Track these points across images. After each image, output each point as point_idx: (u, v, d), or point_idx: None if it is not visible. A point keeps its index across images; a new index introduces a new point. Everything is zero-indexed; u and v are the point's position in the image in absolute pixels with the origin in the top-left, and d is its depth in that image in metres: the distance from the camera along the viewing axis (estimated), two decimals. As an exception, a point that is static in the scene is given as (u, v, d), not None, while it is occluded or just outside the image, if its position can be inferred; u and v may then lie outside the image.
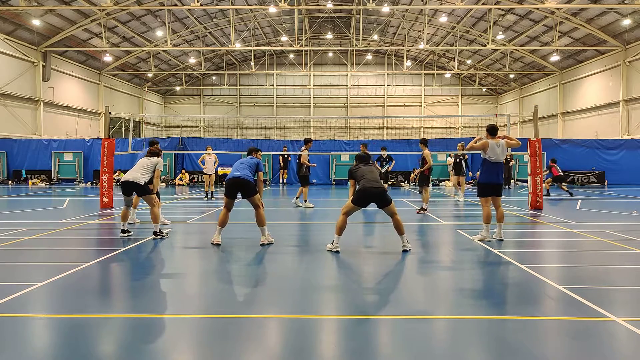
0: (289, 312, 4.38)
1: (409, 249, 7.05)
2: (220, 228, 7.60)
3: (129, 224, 9.85)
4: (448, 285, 5.36)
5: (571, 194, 17.24)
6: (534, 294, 4.89)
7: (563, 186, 17.76)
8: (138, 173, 8.20)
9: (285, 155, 24.10)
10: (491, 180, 7.82)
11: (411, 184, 24.65)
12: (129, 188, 8.16)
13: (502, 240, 7.80)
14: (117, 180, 23.13)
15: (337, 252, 6.94)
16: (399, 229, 7.07)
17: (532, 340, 3.63)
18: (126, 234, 8.18)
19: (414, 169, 13.15)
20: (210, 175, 16.31)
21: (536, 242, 8.42)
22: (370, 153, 20.97)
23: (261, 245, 7.49)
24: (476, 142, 7.98)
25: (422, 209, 12.11)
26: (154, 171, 8.38)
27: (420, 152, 13.04)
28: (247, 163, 7.77)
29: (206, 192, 16.32)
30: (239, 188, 7.55)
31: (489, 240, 7.71)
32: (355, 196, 6.95)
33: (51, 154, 25.24)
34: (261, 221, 7.58)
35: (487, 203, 7.86)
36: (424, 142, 12.86)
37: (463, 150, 14.92)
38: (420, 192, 12.70)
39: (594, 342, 3.64)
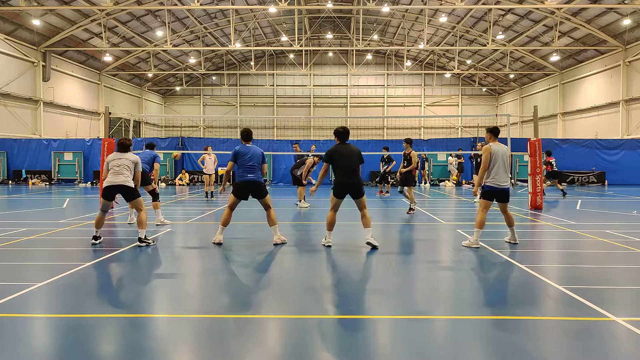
0: (288, 312, 4.38)
1: (375, 245, 7.11)
2: (222, 227, 7.62)
3: (129, 223, 9.83)
4: (448, 285, 5.36)
5: (564, 194, 17.03)
6: (534, 294, 4.89)
7: (558, 184, 17.25)
8: (125, 175, 7.68)
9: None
10: (497, 185, 7.29)
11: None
12: (116, 192, 7.67)
13: (516, 243, 7.48)
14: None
15: (329, 246, 7.26)
16: (367, 222, 7.20)
17: (532, 340, 3.63)
18: (98, 241, 7.50)
19: (399, 169, 12.77)
20: (210, 175, 16.30)
21: (536, 242, 8.42)
22: (371, 153, 20.66)
23: (274, 244, 7.54)
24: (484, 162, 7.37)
25: (411, 209, 11.81)
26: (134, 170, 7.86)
27: (399, 152, 12.88)
28: (257, 161, 7.62)
29: (206, 192, 16.31)
30: (253, 190, 7.59)
31: (477, 247, 7.23)
32: (334, 189, 7.22)
33: (51, 154, 25.24)
34: (272, 221, 7.64)
35: (487, 209, 7.37)
36: (409, 141, 12.57)
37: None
38: (401, 192, 12.47)
39: (594, 342, 3.64)
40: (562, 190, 17.04)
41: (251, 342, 3.64)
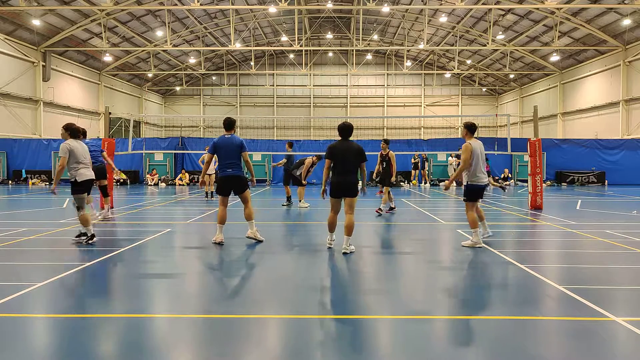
0: (288, 312, 4.37)
1: (350, 252, 6.86)
2: (220, 226, 7.62)
3: (105, 217, 9.71)
4: (448, 285, 5.36)
5: (504, 189, 17.88)
6: (534, 294, 4.89)
7: (493, 182, 18.37)
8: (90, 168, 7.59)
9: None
10: (480, 183, 7.40)
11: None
12: (90, 186, 7.60)
13: (490, 234, 7.86)
14: (117, 180, 23.14)
15: (330, 247, 7.19)
16: (349, 229, 6.90)
17: (532, 340, 3.63)
18: (92, 240, 7.46)
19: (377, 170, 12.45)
20: (210, 175, 16.31)
21: (536, 242, 8.41)
22: (371, 153, 20.54)
23: (247, 237, 7.68)
24: (463, 160, 7.28)
25: (380, 209, 11.63)
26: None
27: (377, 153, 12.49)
28: (234, 153, 7.57)
29: (206, 192, 16.31)
30: (232, 185, 7.64)
31: (481, 246, 7.27)
32: (330, 189, 7.05)
33: (51, 154, 25.22)
34: (249, 215, 7.69)
35: (474, 207, 7.42)
36: (387, 142, 12.05)
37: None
38: (381, 192, 12.14)
39: (594, 342, 3.64)
40: (500, 186, 18.26)
41: (251, 342, 3.63)
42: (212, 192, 16.33)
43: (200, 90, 49.66)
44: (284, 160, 14.38)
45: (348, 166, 7.01)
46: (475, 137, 7.66)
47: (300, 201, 13.39)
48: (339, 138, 7.21)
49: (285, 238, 8.30)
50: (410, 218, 11.13)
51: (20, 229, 8.93)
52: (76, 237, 7.69)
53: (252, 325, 3.97)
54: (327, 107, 48.84)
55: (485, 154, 7.73)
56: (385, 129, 47.55)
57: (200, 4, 28.09)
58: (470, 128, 7.41)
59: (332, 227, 7.20)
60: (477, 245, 7.28)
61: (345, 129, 7.13)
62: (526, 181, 17.07)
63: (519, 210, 12.52)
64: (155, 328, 4.03)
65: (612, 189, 21.65)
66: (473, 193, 7.39)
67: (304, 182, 13.54)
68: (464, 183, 7.51)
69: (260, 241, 7.70)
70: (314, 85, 48.34)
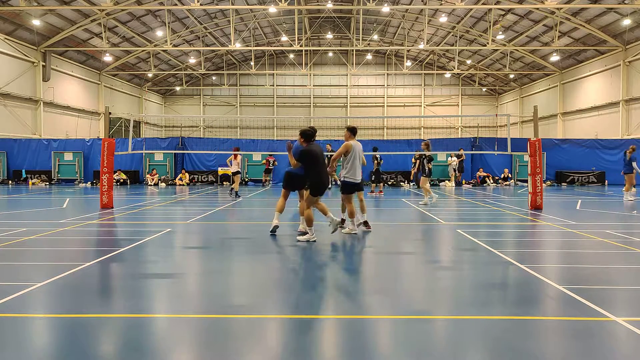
0: (288, 312, 4.37)
1: (334, 230, 7.90)
2: (277, 213, 8.31)
3: None
4: (448, 285, 5.36)
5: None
6: (534, 294, 4.89)
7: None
8: None
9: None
10: (356, 179, 8.45)
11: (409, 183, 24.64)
12: None
13: (356, 233, 8.41)
14: (117, 180, 23.14)
15: (274, 233, 8.10)
16: (324, 212, 7.96)
17: (532, 340, 3.63)
18: None
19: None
20: (236, 174, 16.58)
21: (536, 242, 8.41)
22: (370, 153, 20.56)
23: (297, 232, 8.40)
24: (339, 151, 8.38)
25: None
26: None
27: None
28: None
29: (235, 191, 16.52)
30: (285, 181, 8.43)
31: (355, 233, 8.41)
32: (313, 189, 7.72)
33: (51, 154, 25.23)
34: (300, 211, 8.26)
35: (352, 200, 8.47)
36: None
37: (428, 149, 14.66)
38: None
39: (594, 342, 3.64)
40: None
41: (251, 342, 3.63)
42: (236, 192, 16.48)
43: (200, 90, 49.67)
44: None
45: (325, 167, 7.89)
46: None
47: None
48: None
49: (286, 238, 8.29)
50: (410, 218, 11.13)
51: (20, 229, 8.93)
52: None
53: (252, 326, 3.97)
54: (327, 107, 48.84)
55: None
56: (385, 129, 47.56)
57: (200, 4, 28.10)
58: (353, 131, 8.58)
59: (311, 222, 7.72)
60: (353, 232, 8.37)
61: (311, 134, 7.86)
62: (526, 181, 17.05)
63: (519, 210, 12.51)
64: (155, 328, 4.03)
65: (612, 189, 21.65)
66: (348, 187, 8.45)
67: None
68: (341, 178, 8.57)
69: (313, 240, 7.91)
70: (314, 85, 48.35)
